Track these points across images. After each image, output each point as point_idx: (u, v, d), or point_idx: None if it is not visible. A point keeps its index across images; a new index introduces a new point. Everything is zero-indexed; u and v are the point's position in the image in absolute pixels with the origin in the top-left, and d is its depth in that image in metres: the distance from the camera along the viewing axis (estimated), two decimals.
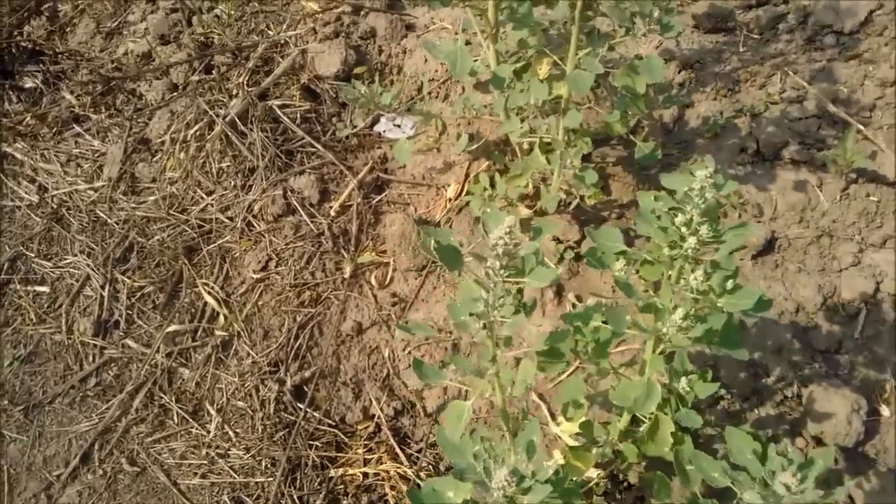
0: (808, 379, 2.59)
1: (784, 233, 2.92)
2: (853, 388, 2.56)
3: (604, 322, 1.88)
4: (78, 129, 3.82)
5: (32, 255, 3.34)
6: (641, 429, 2.07)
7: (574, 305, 2.87)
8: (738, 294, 1.67)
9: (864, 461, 2.50)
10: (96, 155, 3.69)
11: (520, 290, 1.77)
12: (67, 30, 4.35)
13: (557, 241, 2.99)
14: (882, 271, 2.79)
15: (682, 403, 1.96)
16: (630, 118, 2.83)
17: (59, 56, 4.20)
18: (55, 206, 3.50)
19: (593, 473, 2.45)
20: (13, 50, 4.20)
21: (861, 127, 3.12)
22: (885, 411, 2.56)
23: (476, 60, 3.34)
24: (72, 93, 3.96)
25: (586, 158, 2.99)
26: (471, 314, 1.73)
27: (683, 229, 1.65)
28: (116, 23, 4.25)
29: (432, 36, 3.72)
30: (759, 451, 1.82)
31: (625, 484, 2.48)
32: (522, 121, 2.82)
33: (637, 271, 1.83)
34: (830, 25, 3.48)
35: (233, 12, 3.94)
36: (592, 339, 1.98)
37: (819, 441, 2.45)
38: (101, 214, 3.42)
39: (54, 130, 3.83)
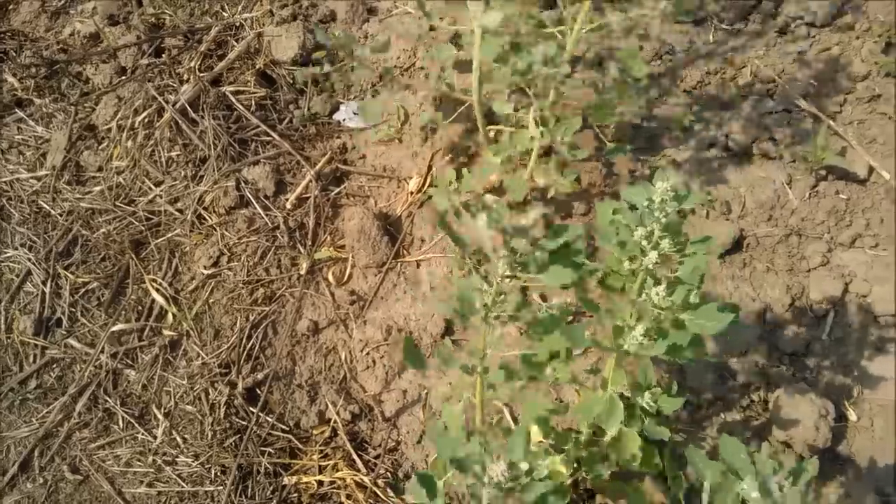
0: (775, 382, 2.54)
1: (753, 231, 2.85)
2: (820, 391, 2.52)
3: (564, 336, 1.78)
4: (20, 114, 3.61)
5: None
6: (606, 439, 2.00)
7: (539, 304, 2.78)
8: (703, 312, 1.58)
9: (833, 463, 2.46)
10: (39, 142, 3.50)
11: (523, 290, 1.67)
12: (10, 8, 4.11)
13: None
14: (851, 271, 2.75)
15: (645, 415, 1.88)
16: (614, 109, 2.71)
17: (1, 36, 3.97)
18: None
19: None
20: None
21: (831, 122, 3.07)
22: (852, 415, 2.52)
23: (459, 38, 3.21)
24: (14, 75, 3.74)
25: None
26: (468, 306, 1.62)
27: (644, 243, 1.55)
28: (63, 2, 4.03)
29: (395, 21, 3.58)
30: (750, 458, 1.76)
31: (586, 492, 2.41)
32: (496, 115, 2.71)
33: (599, 281, 1.74)
34: (802, 17, 3.42)
35: None
36: (558, 349, 1.88)
37: (787, 445, 2.40)
38: (44, 205, 3.24)
39: None
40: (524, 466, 1.50)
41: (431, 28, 3.51)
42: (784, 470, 1.49)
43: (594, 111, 2.63)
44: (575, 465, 2.19)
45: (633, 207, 1.63)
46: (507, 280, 1.52)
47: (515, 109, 2.74)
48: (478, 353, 1.75)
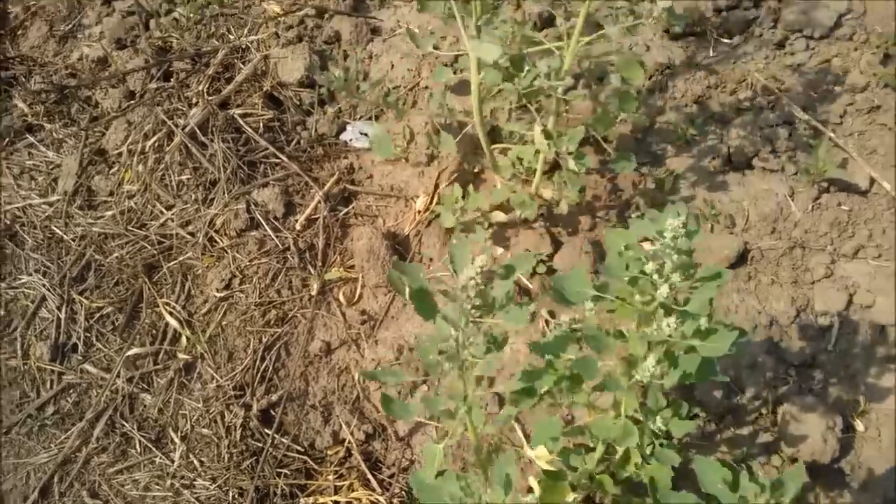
0: (782, 395, 2.57)
1: (757, 244, 2.89)
2: (827, 404, 2.55)
3: (574, 370, 1.82)
4: (31, 139, 3.67)
5: None
6: (615, 458, 2.04)
7: (547, 322, 2.83)
8: (712, 337, 1.62)
9: (841, 474, 2.49)
10: (51, 167, 3.55)
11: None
12: (19, 33, 4.18)
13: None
14: (855, 282, 2.79)
15: (655, 438, 1.93)
16: (616, 118, 2.75)
17: (10, 61, 4.04)
18: (8, 223, 3.37)
19: (569, 497, 2.41)
20: None
21: (832, 134, 3.11)
22: (859, 426, 2.55)
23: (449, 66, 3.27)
24: (24, 101, 3.80)
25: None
26: (440, 353, 1.67)
27: (655, 276, 1.59)
28: (70, 26, 4.09)
29: (398, 40, 3.62)
30: (729, 479, 1.79)
31: None
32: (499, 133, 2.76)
33: (609, 311, 1.78)
34: (801, 30, 3.46)
35: (192, 15, 3.81)
36: (567, 372, 1.92)
37: (794, 460, 2.44)
38: (57, 230, 3.29)
39: (6, 141, 3.68)
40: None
41: (435, 47, 3.55)
42: (765, 493, 1.51)
43: (596, 123, 2.68)
44: (587, 481, 2.23)
45: (644, 239, 1.66)
46: (473, 325, 1.56)
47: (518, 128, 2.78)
48: (459, 396, 1.77)
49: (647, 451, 1.97)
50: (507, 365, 2.71)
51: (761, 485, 1.73)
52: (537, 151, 2.79)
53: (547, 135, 2.68)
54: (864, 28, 3.45)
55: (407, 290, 1.63)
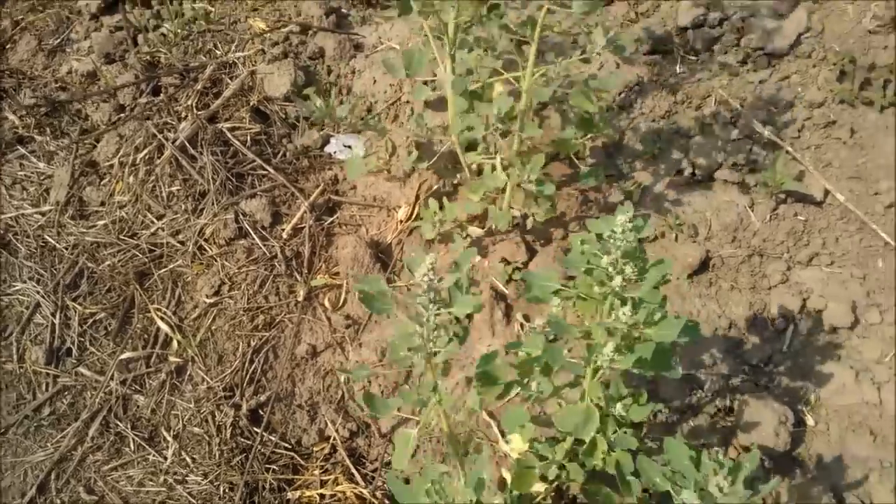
0: (739, 391, 2.76)
1: (718, 252, 3.08)
2: (781, 399, 2.74)
3: (543, 359, 1.99)
4: (22, 150, 3.78)
5: None
6: (582, 448, 2.20)
7: (522, 325, 2.99)
8: (663, 324, 1.80)
9: (792, 465, 2.68)
10: (42, 178, 3.66)
11: (456, 319, 1.88)
12: (8, 47, 4.27)
13: (506, 262, 3.10)
14: (808, 288, 2.98)
15: (619, 426, 2.09)
16: (583, 136, 2.94)
17: (0, 74, 4.13)
18: (1, 232, 3.47)
19: (541, 488, 2.57)
20: None
21: (789, 149, 3.31)
22: (810, 421, 2.74)
23: (427, 84, 3.44)
24: (14, 113, 3.91)
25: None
26: (409, 349, 1.83)
27: (610, 269, 1.77)
28: (59, 40, 4.20)
29: (380, 56, 3.78)
30: (694, 458, 1.97)
31: (569, 497, 2.61)
32: (479, 142, 2.92)
33: (574, 304, 1.95)
34: (762, 48, 3.66)
35: (179, 31, 3.94)
36: (537, 365, 2.09)
37: (748, 450, 2.61)
38: (50, 239, 3.41)
39: None
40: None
41: (408, 74, 3.71)
42: (723, 470, 1.69)
43: (559, 145, 2.86)
44: (558, 470, 2.39)
45: (599, 237, 1.84)
46: (435, 317, 1.73)
47: (487, 149, 2.95)
48: (429, 386, 1.94)
49: (612, 439, 2.13)
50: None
51: (720, 463, 1.90)
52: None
53: (505, 166, 2.87)
54: (823, 46, 3.65)
55: (358, 294, 1.80)
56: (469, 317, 2.84)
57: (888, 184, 3.18)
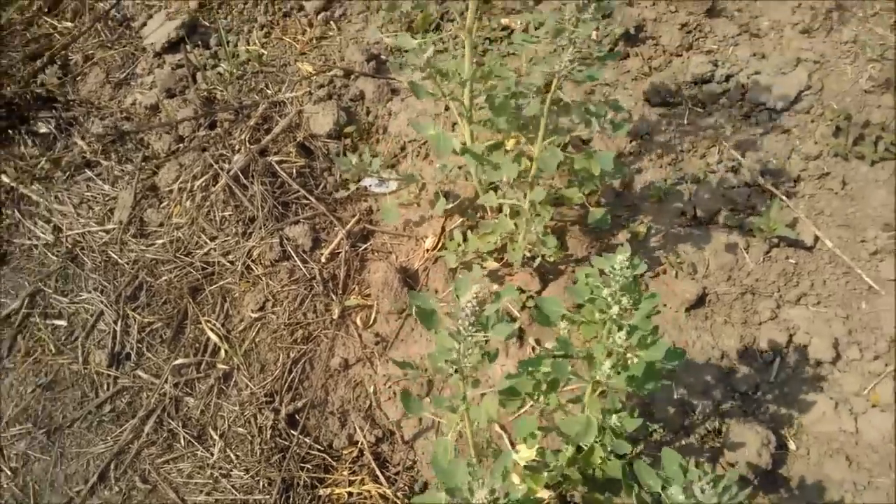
0: (728, 416, 3.06)
1: (714, 289, 3.39)
2: (766, 424, 3.03)
3: (551, 374, 2.32)
4: (89, 173, 4.19)
5: (50, 291, 3.71)
6: (581, 455, 2.52)
7: (534, 348, 3.32)
8: (653, 348, 2.13)
9: (775, 484, 2.96)
10: (107, 199, 4.07)
11: (486, 341, 2.21)
12: (78, 79, 4.72)
13: (521, 290, 3.44)
14: (795, 325, 3.27)
15: (615, 435, 2.41)
16: (585, 192, 3.29)
17: (71, 104, 4.57)
18: (69, 246, 3.87)
19: (545, 494, 2.88)
20: (28, 97, 4.56)
21: (784, 198, 3.62)
22: (792, 445, 3.03)
23: (454, 130, 3.81)
24: (83, 139, 4.33)
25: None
26: (446, 361, 2.17)
27: (609, 299, 2.11)
28: (125, 74, 4.64)
29: (415, 100, 4.16)
30: (684, 466, 2.28)
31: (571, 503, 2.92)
32: (495, 191, 3.27)
33: (578, 327, 2.29)
34: (764, 103, 3.98)
35: (234, 71, 4.36)
36: (545, 381, 2.42)
37: (730, 465, 2.91)
38: (113, 255, 3.80)
39: (67, 174, 4.20)
40: (502, 491, 1.99)
41: (446, 108, 4.11)
42: (707, 477, 2.00)
43: (566, 199, 3.21)
44: (560, 478, 2.71)
45: (601, 272, 2.18)
46: (471, 338, 2.06)
47: (503, 196, 3.31)
48: (459, 395, 2.28)
49: (609, 447, 2.45)
50: (496, 383, 3.19)
51: (705, 471, 2.20)
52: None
53: (516, 213, 3.23)
54: (821, 103, 3.96)
55: (415, 308, 2.14)
56: (506, 338, 3.18)
57: (874, 232, 3.48)
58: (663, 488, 2.07)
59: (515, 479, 2.84)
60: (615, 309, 2.15)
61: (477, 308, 2.04)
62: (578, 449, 2.64)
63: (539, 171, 2.99)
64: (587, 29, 2.56)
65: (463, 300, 2.04)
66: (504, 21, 4.31)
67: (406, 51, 4.15)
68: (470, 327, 2.06)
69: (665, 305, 3.36)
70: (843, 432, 3.02)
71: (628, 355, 2.22)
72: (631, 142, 3.88)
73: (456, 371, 2.16)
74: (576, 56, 2.61)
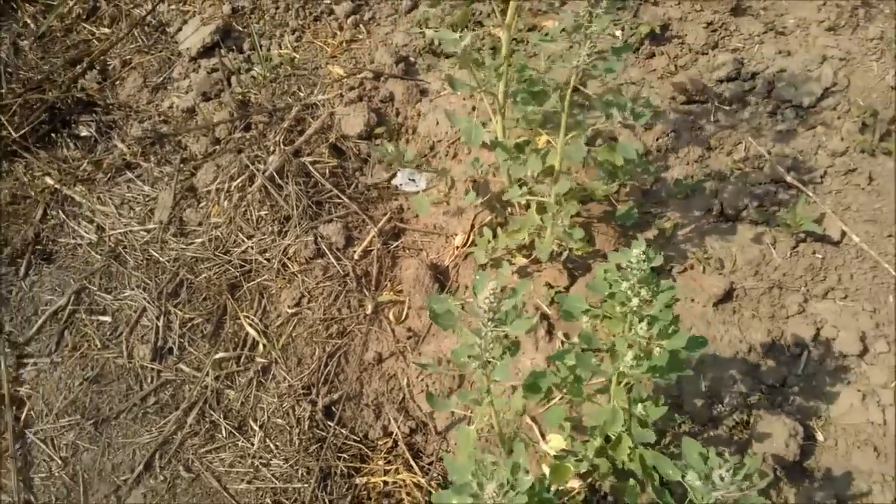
0: (755, 408, 3.11)
1: (742, 284, 3.44)
2: (794, 416, 3.08)
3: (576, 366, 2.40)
4: (130, 175, 4.33)
5: (95, 288, 3.85)
6: (609, 445, 2.60)
7: (563, 342, 3.39)
8: (674, 337, 2.20)
9: (802, 475, 3.01)
10: (147, 199, 4.21)
11: (505, 336, 2.30)
12: (117, 83, 4.86)
13: (549, 286, 3.51)
14: (823, 319, 3.32)
15: (641, 425, 2.48)
16: (611, 185, 3.36)
17: (111, 107, 4.72)
18: (112, 245, 4.01)
19: (575, 484, 2.96)
20: (69, 101, 4.71)
21: (810, 194, 3.66)
22: (820, 437, 3.07)
23: (485, 126, 3.90)
24: (123, 141, 4.48)
25: (574, 215, 3.51)
26: (469, 356, 2.26)
27: (629, 292, 2.18)
28: (161, 79, 4.77)
29: (443, 101, 4.26)
30: (705, 454, 2.35)
31: (601, 493, 2.99)
32: (522, 185, 3.35)
33: (601, 321, 2.36)
34: (790, 101, 4.02)
35: (268, 74, 4.49)
36: (571, 374, 2.50)
37: (762, 460, 2.96)
38: (154, 253, 3.94)
39: (108, 176, 4.34)
40: (511, 484, 2.07)
41: (473, 108, 4.19)
42: (727, 465, 2.06)
43: (592, 193, 3.28)
44: (590, 468, 2.78)
45: (618, 267, 2.25)
46: (492, 332, 2.15)
47: (530, 193, 3.38)
48: (483, 388, 2.37)
49: (635, 436, 2.52)
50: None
51: (725, 459, 2.27)
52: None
53: (543, 209, 3.30)
54: (847, 100, 4.00)
55: (429, 311, 2.25)
56: (526, 332, 3.25)
57: None
58: (683, 476, 2.13)
59: (545, 468, 2.92)
60: (635, 301, 2.22)
61: (495, 304, 2.12)
62: (607, 439, 2.71)
63: (564, 165, 3.07)
64: (601, 23, 2.63)
65: (480, 297, 2.13)
66: (538, 22, 4.38)
67: (438, 56, 4.27)
68: (489, 322, 2.14)
69: (693, 300, 3.41)
70: (871, 424, 3.06)
71: (651, 345, 2.29)
72: (657, 139, 3.94)
73: (479, 366, 2.25)
74: (592, 50, 2.68)
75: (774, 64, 4.12)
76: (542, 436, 3.15)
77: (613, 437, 2.52)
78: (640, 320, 2.19)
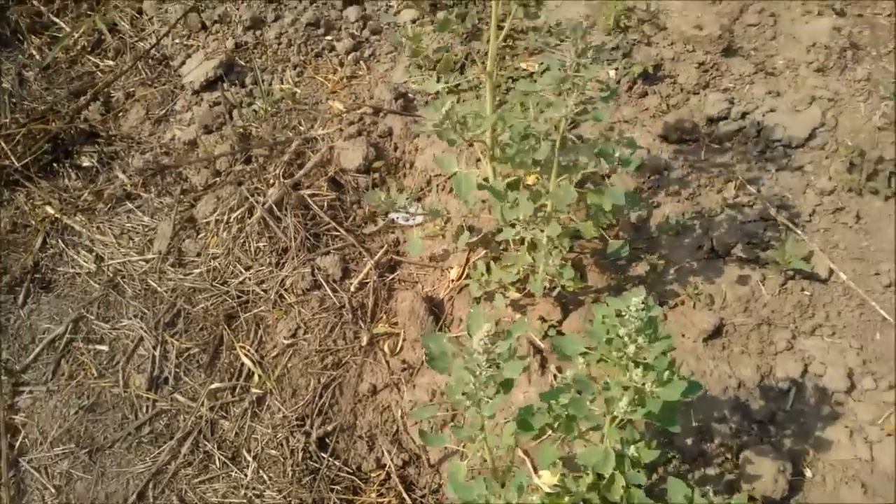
0: (745, 444, 3.14)
1: (731, 320, 3.49)
2: (782, 453, 3.11)
3: (569, 410, 2.45)
4: (130, 205, 4.40)
5: (93, 317, 3.89)
6: (602, 483, 2.63)
7: (555, 375, 3.43)
8: (670, 386, 2.24)
9: None
10: (146, 230, 4.27)
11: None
12: (120, 115, 4.94)
13: (543, 320, 3.56)
14: (810, 355, 3.36)
15: (633, 465, 2.52)
16: (600, 224, 3.42)
17: (113, 139, 4.79)
18: (111, 275, 4.06)
19: None
20: (72, 132, 4.78)
21: (798, 232, 3.72)
22: (808, 473, 3.11)
23: (477, 166, 3.98)
24: (124, 172, 4.55)
25: (567, 250, 3.56)
26: (463, 393, 2.31)
27: (626, 339, 2.22)
28: (164, 111, 4.86)
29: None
30: (689, 494, 2.38)
31: None
32: (514, 226, 3.42)
33: (597, 362, 2.41)
34: (780, 140, 4.10)
35: (269, 108, 4.57)
36: (563, 413, 2.54)
37: (751, 497, 2.99)
38: (152, 283, 3.98)
39: (109, 206, 4.40)
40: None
41: (470, 144, 4.27)
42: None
43: (582, 231, 3.35)
44: (582, 502, 2.80)
45: (617, 313, 2.30)
46: (485, 373, 2.19)
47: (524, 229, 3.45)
48: (477, 426, 2.41)
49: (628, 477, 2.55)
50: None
51: (711, 501, 2.31)
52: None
53: (533, 247, 3.37)
54: (835, 140, 4.08)
55: (426, 353, 2.30)
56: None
57: (888, 266, 3.57)
58: None
59: (535, 499, 2.94)
60: (631, 348, 2.26)
61: (489, 345, 2.17)
62: (599, 475, 2.74)
63: (554, 206, 3.14)
64: (591, 73, 2.72)
65: (475, 339, 2.17)
66: (525, 66, 4.48)
67: (430, 94, 4.35)
68: (484, 363, 2.19)
69: (683, 336, 3.46)
70: (859, 460, 3.10)
71: (645, 390, 2.33)
72: (649, 177, 4.02)
73: (473, 403, 2.29)
74: (580, 99, 2.76)
75: (764, 104, 4.21)
76: (535, 469, 3.17)
77: (606, 477, 2.55)
78: (636, 366, 2.24)
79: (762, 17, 4.56)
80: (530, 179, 3.45)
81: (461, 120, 3.03)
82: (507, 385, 2.32)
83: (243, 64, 4.85)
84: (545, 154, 2.92)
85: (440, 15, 3.07)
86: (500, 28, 3.11)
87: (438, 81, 3.17)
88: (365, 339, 3.64)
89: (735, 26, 4.55)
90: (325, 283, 3.80)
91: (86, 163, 4.67)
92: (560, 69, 2.64)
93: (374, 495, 3.22)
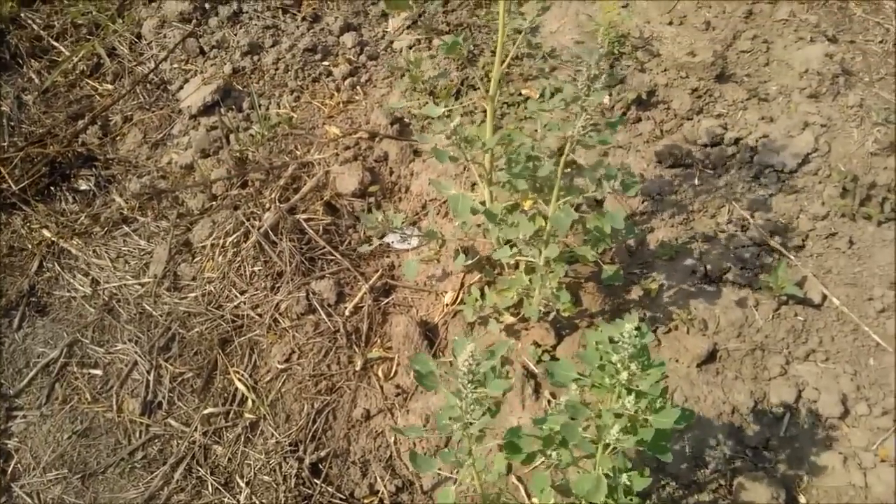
0: (739, 470, 3.14)
1: (725, 345, 3.50)
2: (776, 479, 3.10)
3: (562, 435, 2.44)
4: (126, 229, 4.41)
5: (87, 341, 3.89)
6: None
7: (549, 401, 3.43)
8: (662, 413, 2.24)
9: None
10: (142, 253, 4.28)
11: (487, 398, 2.34)
12: (118, 139, 4.97)
13: (536, 345, 3.57)
14: (804, 381, 3.37)
15: (625, 493, 2.51)
16: (598, 249, 3.43)
17: (110, 162, 4.82)
18: (106, 299, 4.07)
19: None
20: (70, 155, 4.81)
21: (792, 257, 3.74)
22: (802, 499, 3.10)
23: (473, 188, 4.00)
24: (121, 196, 4.57)
25: (562, 276, 3.58)
26: (450, 418, 2.31)
27: (619, 365, 2.23)
28: (161, 135, 4.89)
29: (435, 162, 4.36)
30: None
31: None
32: (511, 246, 3.43)
33: (589, 389, 2.41)
34: (773, 165, 4.13)
35: (266, 133, 4.60)
36: (557, 439, 2.54)
37: None
38: (147, 307, 3.99)
39: (105, 230, 4.42)
40: None
41: (464, 168, 4.31)
42: None
43: (579, 256, 3.36)
44: None
45: (611, 339, 2.31)
46: (472, 394, 2.19)
47: (519, 253, 3.46)
48: (465, 450, 2.41)
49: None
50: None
51: None
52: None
53: (530, 270, 3.38)
54: (828, 165, 4.11)
55: (413, 371, 2.30)
56: (504, 392, 3.29)
57: (881, 291, 3.58)
58: None
59: None
60: (624, 374, 2.26)
61: (473, 366, 2.17)
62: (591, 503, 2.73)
63: (553, 229, 3.15)
64: (598, 97, 2.75)
65: (459, 360, 2.18)
66: (524, 91, 4.52)
67: (430, 118, 4.39)
68: (469, 384, 2.19)
69: (677, 361, 3.47)
70: (853, 486, 3.09)
71: (638, 417, 2.33)
72: (643, 202, 4.04)
73: (460, 427, 2.28)
74: (587, 122, 2.79)
75: (757, 129, 4.25)
76: (528, 496, 3.16)
77: None
78: (629, 393, 2.24)
79: (755, 43, 4.61)
80: (527, 204, 3.47)
81: (467, 137, 3.06)
82: (495, 408, 2.32)
83: (241, 89, 4.89)
84: (548, 172, 2.95)
85: (447, 38, 3.08)
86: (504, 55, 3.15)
87: (438, 106, 3.20)
88: (359, 364, 3.64)
89: (728, 53, 4.60)
90: (319, 308, 3.80)
91: (83, 186, 4.69)
92: (574, 90, 2.68)
93: None
